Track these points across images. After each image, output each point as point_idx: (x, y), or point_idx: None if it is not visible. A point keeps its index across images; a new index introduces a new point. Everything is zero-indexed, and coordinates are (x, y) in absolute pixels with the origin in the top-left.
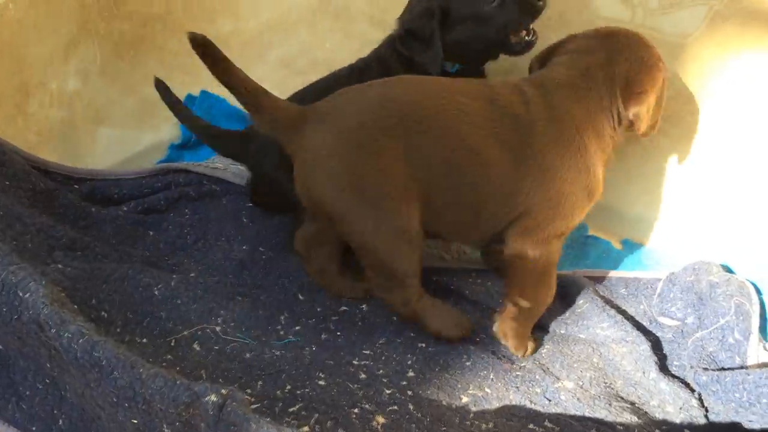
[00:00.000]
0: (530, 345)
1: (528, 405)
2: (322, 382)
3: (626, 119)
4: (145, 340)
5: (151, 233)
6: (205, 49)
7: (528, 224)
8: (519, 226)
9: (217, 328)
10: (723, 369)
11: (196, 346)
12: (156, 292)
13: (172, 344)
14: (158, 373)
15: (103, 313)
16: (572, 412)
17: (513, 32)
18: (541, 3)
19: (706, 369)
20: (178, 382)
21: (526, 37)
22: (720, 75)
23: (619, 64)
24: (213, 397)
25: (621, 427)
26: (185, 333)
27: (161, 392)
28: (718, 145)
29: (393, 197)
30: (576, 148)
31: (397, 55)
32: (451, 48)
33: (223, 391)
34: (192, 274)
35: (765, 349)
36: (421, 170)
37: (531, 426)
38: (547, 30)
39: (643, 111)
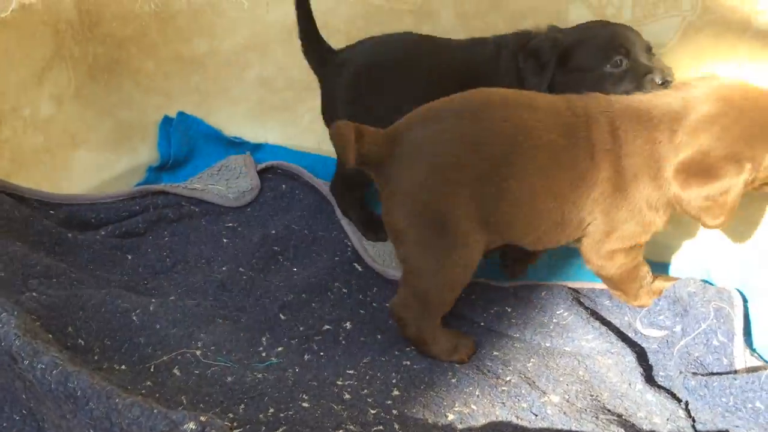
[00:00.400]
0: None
1: (514, 420)
2: (305, 404)
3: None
4: (123, 367)
5: (129, 257)
6: None
7: (587, 241)
8: (583, 241)
9: (198, 352)
10: (711, 374)
11: (176, 371)
12: (134, 318)
13: (152, 370)
14: (135, 402)
15: (80, 341)
16: (559, 426)
17: None
18: (663, 85)
19: (695, 374)
20: (155, 411)
21: None
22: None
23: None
24: (191, 425)
25: None
26: (165, 358)
27: (138, 422)
28: None
29: (469, 235)
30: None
31: (510, 59)
32: (555, 85)
33: (202, 418)
34: (171, 298)
35: (751, 354)
36: (494, 204)
37: None
38: None
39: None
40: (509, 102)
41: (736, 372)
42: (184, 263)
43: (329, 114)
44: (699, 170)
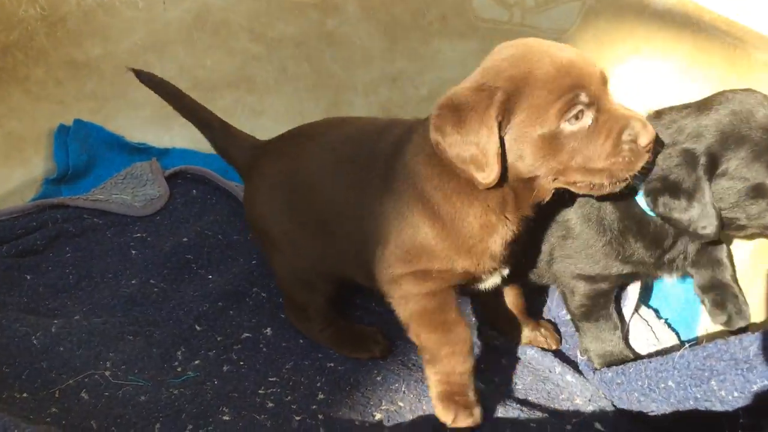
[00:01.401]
0: None
1: None
2: (226, 417)
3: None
4: (25, 395)
5: (28, 277)
6: (158, 86)
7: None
8: None
9: (107, 373)
10: (625, 362)
11: (83, 395)
12: (35, 341)
13: (57, 396)
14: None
15: None
16: (486, 414)
17: None
18: None
19: (609, 366)
20: None
21: None
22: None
23: None
24: None
25: (534, 425)
26: (70, 382)
27: None
28: None
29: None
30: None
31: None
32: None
33: None
34: (76, 317)
35: (665, 323)
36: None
37: None
38: (429, 35)
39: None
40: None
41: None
42: (89, 279)
43: None
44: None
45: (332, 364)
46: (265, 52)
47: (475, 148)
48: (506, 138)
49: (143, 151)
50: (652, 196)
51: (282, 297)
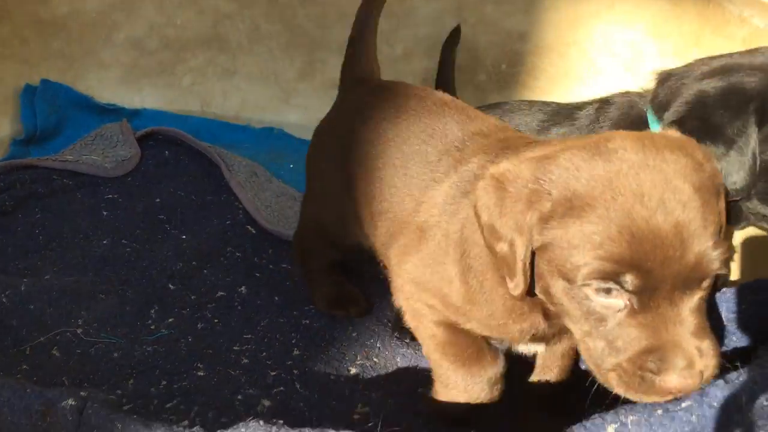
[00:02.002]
0: None
1: (415, 369)
2: (201, 373)
3: None
4: None
5: None
6: None
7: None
8: None
9: (78, 330)
10: None
11: (55, 352)
12: (4, 299)
13: (28, 353)
14: (4, 383)
15: None
16: None
17: None
18: None
19: None
20: (28, 390)
21: None
22: (578, 25)
23: None
24: (71, 402)
25: None
26: (41, 339)
27: (10, 403)
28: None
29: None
30: None
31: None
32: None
33: (82, 393)
34: (46, 277)
35: None
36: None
37: (420, 389)
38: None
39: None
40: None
41: None
42: (59, 240)
43: None
44: None
45: (307, 321)
46: (237, 10)
47: (506, 247)
48: (536, 255)
49: (113, 112)
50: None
51: (260, 256)
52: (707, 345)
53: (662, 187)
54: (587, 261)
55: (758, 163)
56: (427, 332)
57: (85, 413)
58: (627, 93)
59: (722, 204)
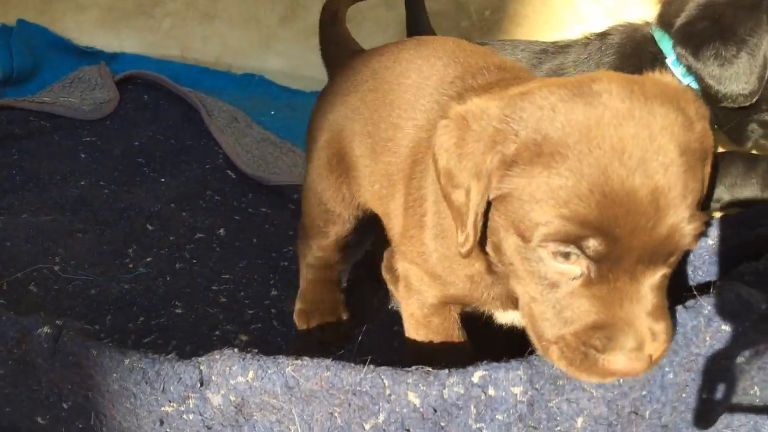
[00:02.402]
0: None
1: (391, 310)
2: (178, 311)
3: None
4: None
5: None
6: None
7: None
8: None
9: (56, 267)
10: None
11: (32, 288)
12: None
13: (4, 288)
14: None
15: None
16: None
17: None
18: None
19: None
20: (3, 318)
21: None
22: None
23: None
24: (46, 329)
25: None
26: (18, 275)
27: None
28: None
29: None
30: None
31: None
32: None
33: (58, 321)
34: (23, 216)
35: None
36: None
37: (395, 327)
38: None
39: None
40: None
41: None
42: (36, 180)
43: None
44: None
45: (286, 263)
46: None
47: (463, 196)
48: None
49: (91, 55)
50: (696, 43)
51: (240, 200)
52: (662, 328)
53: (645, 144)
54: (548, 219)
55: None
56: (409, 310)
57: (61, 341)
58: (625, 23)
59: (707, 170)
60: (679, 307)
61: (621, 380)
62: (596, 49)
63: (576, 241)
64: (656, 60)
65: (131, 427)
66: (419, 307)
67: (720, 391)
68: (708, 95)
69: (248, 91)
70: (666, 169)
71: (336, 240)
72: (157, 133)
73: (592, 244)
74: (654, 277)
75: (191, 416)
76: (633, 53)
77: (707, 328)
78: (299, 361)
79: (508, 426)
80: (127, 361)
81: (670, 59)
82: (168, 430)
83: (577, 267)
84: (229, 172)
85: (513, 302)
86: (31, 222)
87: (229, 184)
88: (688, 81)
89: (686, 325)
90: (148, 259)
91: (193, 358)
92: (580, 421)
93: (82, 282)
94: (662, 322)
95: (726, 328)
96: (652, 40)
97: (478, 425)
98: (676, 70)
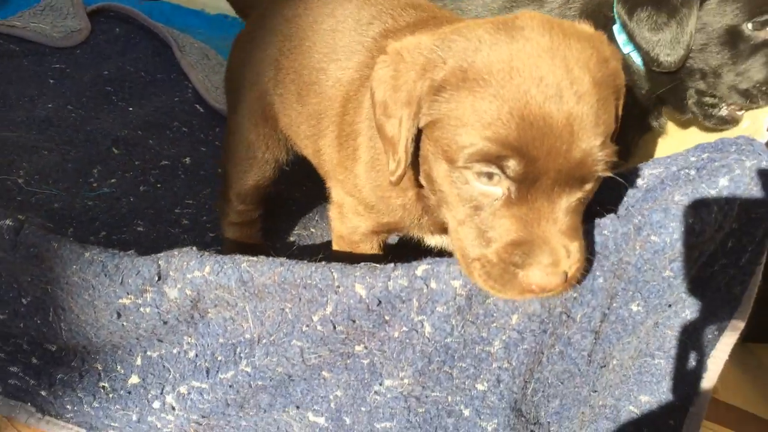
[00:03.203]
0: None
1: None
2: (140, 229)
3: None
4: None
5: None
6: None
7: None
8: None
9: (19, 180)
10: None
11: None
12: None
13: None
14: None
15: None
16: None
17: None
18: None
19: None
20: None
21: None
22: None
23: None
24: (8, 222)
25: None
26: None
27: None
28: None
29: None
30: None
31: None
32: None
33: (20, 216)
34: None
35: None
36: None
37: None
38: None
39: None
40: None
41: None
42: (3, 101)
43: None
44: None
45: None
46: None
47: (396, 126)
48: (423, 133)
49: None
50: (632, 4)
51: (207, 132)
52: (576, 247)
53: (562, 74)
54: (473, 141)
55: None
56: (339, 232)
57: (22, 233)
58: None
59: (619, 106)
60: (612, 215)
61: None
62: (562, 3)
63: (497, 161)
64: (607, 25)
65: (89, 320)
66: (350, 233)
67: (649, 305)
68: (648, 58)
69: (221, 31)
70: (580, 98)
71: (256, 187)
72: (127, 65)
73: (512, 164)
74: (570, 200)
75: (148, 309)
76: (591, 14)
77: (637, 237)
78: (254, 258)
79: (447, 317)
80: (87, 254)
81: (617, 27)
82: (125, 323)
83: (499, 188)
84: (197, 105)
85: (441, 228)
86: None
87: (197, 117)
88: (628, 50)
89: (617, 231)
90: (113, 180)
91: (152, 254)
92: (515, 318)
93: (46, 196)
94: (576, 241)
95: (655, 238)
96: (610, 5)
97: (419, 317)
98: (619, 38)
